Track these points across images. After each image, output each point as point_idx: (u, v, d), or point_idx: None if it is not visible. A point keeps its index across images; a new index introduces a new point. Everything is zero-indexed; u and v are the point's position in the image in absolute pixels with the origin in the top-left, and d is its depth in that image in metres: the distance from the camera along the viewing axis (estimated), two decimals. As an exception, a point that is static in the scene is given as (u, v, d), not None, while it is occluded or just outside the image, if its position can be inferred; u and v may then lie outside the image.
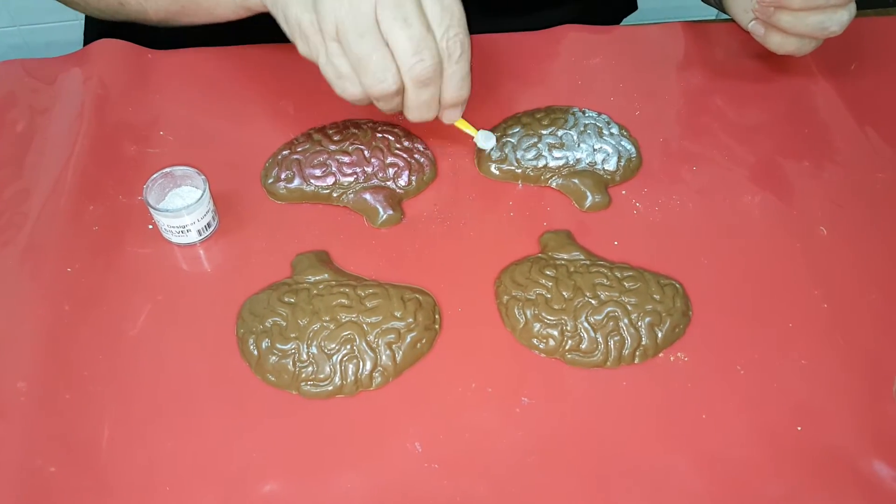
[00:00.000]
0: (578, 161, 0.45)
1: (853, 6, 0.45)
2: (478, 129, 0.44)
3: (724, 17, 0.56)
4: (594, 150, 0.45)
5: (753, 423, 0.36)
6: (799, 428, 0.36)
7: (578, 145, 0.45)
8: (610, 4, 0.66)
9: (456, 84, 0.39)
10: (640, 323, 0.38)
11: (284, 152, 0.45)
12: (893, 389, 0.37)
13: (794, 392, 0.37)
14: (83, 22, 0.65)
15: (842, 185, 0.46)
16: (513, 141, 0.45)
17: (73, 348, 0.38)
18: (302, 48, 0.40)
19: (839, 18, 0.44)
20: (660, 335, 0.38)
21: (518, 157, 0.45)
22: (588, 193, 0.43)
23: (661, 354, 0.38)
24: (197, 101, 0.50)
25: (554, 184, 0.44)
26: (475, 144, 0.45)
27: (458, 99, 0.40)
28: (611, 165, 0.45)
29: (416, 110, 0.40)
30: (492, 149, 0.45)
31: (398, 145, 0.45)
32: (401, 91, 0.39)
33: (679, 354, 0.38)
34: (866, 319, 0.40)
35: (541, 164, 0.44)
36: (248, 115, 0.49)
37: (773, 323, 0.39)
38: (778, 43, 0.47)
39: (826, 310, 0.40)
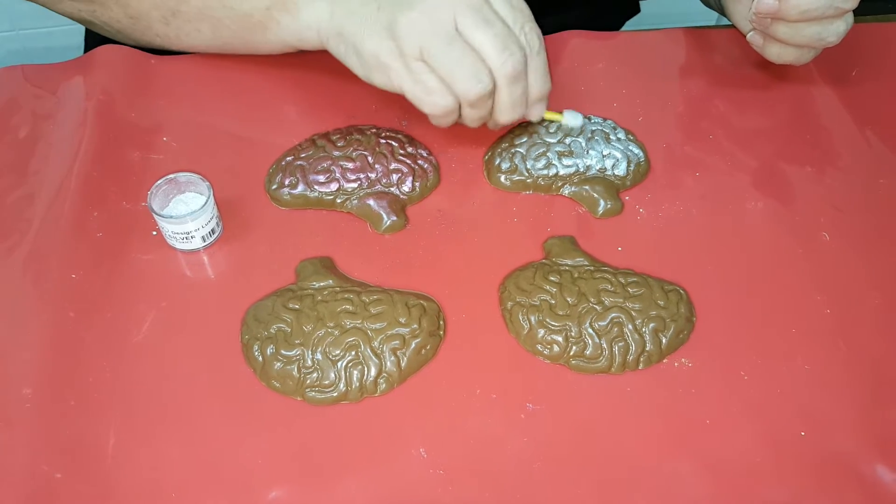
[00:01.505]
0: (589, 168, 0.45)
1: (850, 16, 0.45)
2: (560, 112, 0.45)
3: (726, 22, 0.57)
4: (603, 156, 0.45)
5: (757, 428, 0.36)
6: (802, 433, 0.36)
7: (587, 152, 0.45)
8: (612, 8, 0.67)
9: (541, 76, 0.41)
10: (644, 329, 0.38)
11: (288, 158, 0.45)
12: (897, 395, 0.37)
13: (798, 397, 0.37)
14: (84, 27, 0.65)
15: (844, 191, 0.46)
16: (521, 151, 0.45)
17: (77, 355, 0.38)
18: (380, 79, 0.41)
19: (836, 29, 0.45)
20: (664, 341, 0.38)
21: (528, 166, 0.45)
22: (601, 200, 0.44)
23: (665, 360, 0.38)
24: (200, 107, 0.50)
25: (566, 192, 0.44)
26: (484, 151, 0.45)
27: (544, 91, 0.41)
28: (621, 170, 0.45)
29: (509, 109, 0.41)
30: (579, 125, 0.45)
31: (402, 151, 0.45)
32: (493, 92, 0.40)
33: (683, 360, 0.38)
34: (869, 324, 0.40)
35: (551, 172, 0.45)
36: (252, 120, 0.49)
37: (776, 328, 0.40)
38: (776, 53, 0.47)
39: (829, 315, 0.40)
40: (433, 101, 0.40)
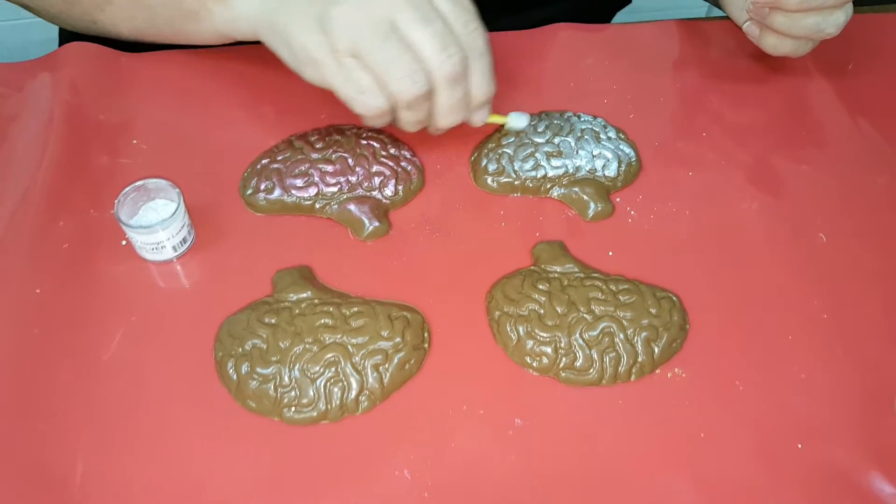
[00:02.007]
0: (578, 169, 0.43)
1: (850, 7, 0.43)
2: (506, 114, 0.43)
3: (717, 13, 0.55)
4: (593, 156, 0.43)
5: (753, 441, 0.35)
6: (799, 445, 0.35)
7: (577, 152, 0.43)
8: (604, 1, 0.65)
9: (483, 79, 0.38)
10: (636, 339, 0.37)
11: (264, 161, 0.43)
12: (894, 404, 0.36)
13: (794, 408, 0.36)
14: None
15: (840, 189, 0.44)
16: (509, 152, 0.43)
17: (43, 375, 0.36)
18: (311, 74, 0.38)
19: (835, 20, 0.43)
20: (656, 351, 0.37)
21: (516, 168, 0.43)
22: (591, 202, 0.42)
23: (657, 371, 0.37)
24: (172, 107, 0.47)
25: (555, 194, 0.43)
26: (470, 152, 0.43)
27: (487, 95, 0.39)
28: (611, 171, 0.43)
29: (448, 113, 0.38)
30: (526, 126, 0.43)
31: (384, 153, 0.43)
32: (430, 94, 0.38)
33: (676, 370, 0.37)
34: (866, 330, 0.38)
35: (540, 174, 0.43)
36: (226, 120, 0.47)
37: (771, 335, 0.38)
38: (773, 44, 0.45)
39: (826, 321, 0.39)
40: (365, 101, 0.37)
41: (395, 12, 0.36)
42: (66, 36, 0.61)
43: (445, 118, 0.39)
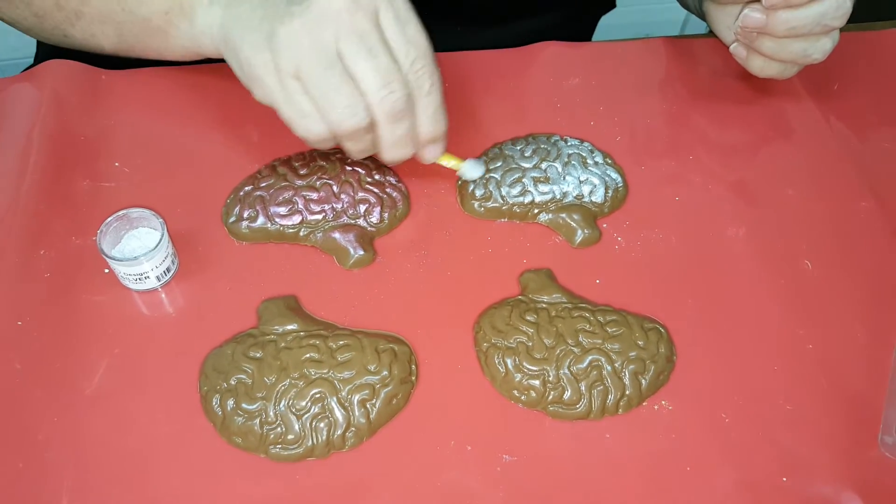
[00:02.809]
0: (565, 195, 0.43)
1: (836, 34, 0.43)
2: (463, 159, 0.42)
3: (694, 25, 0.55)
4: (580, 181, 0.43)
5: (738, 475, 0.35)
6: (784, 479, 0.35)
7: (564, 178, 0.43)
8: (588, 8, 0.64)
9: (429, 118, 0.37)
10: (623, 371, 0.37)
11: (247, 188, 0.42)
12: (879, 437, 0.36)
13: (779, 440, 0.36)
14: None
15: (826, 215, 0.44)
16: (496, 177, 0.43)
17: (25, 411, 0.35)
18: (257, 92, 0.38)
19: (822, 46, 0.43)
20: (644, 383, 0.37)
21: (503, 193, 0.43)
22: (578, 229, 0.42)
23: (645, 403, 0.37)
24: (154, 128, 0.47)
25: (542, 219, 0.42)
26: (457, 177, 0.43)
27: (434, 134, 0.38)
28: (598, 197, 0.43)
29: (392, 148, 0.38)
30: (480, 178, 0.43)
31: (369, 179, 0.43)
32: (371, 127, 0.37)
33: (663, 402, 0.37)
34: (850, 360, 0.39)
35: (527, 199, 0.42)
36: (209, 141, 0.46)
37: (757, 366, 0.38)
38: (760, 67, 0.45)
39: (811, 351, 0.39)
40: (306, 125, 0.37)
41: (341, 40, 0.35)
42: (43, 44, 0.60)
43: (389, 152, 0.38)
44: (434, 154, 0.40)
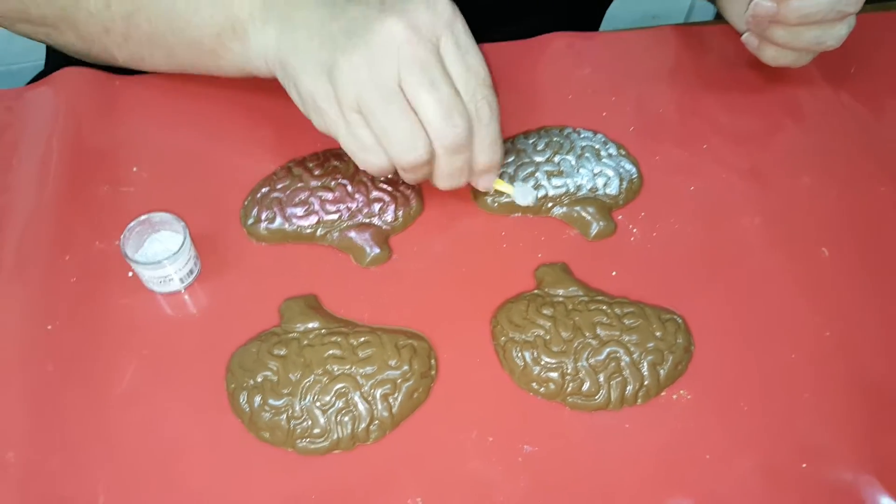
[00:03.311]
0: (579, 188, 0.43)
1: (852, 19, 0.43)
2: (512, 184, 0.42)
3: (701, 13, 0.54)
4: (594, 174, 0.43)
5: (757, 462, 0.35)
6: (804, 465, 0.35)
7: (577, 171, 0.43)
8: (591, 3, 0.64)
9: (488, 147, 0.37)
10: (641, 362, 0.37)
11: (264, 190, 0.43)
12: (898, 421, 0.36)
13: (798, 427, 0.37)
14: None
15: (843, 201, 0.44)
16: (509, 171, 0.43)
17: (59, 412, 0.36)
18: (317, 122, 0.38)
19: (837, 33, 0.43)
20: (662, 374, 0.37)
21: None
22: (593, 221, 0.42)
23: (663, 393, 0.37)
24: (170, 132, 0.47)
25: (556, 213, 0.43)
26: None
27: (491, 163, 0.38)
28: (613, 189, 0.43)
29: (448, 178, 0.38)
30: (527, 204, 0.43)
31: (382, 178, 0.43)
32: (431, 160, 0.37)
33: (682, 392, 0.38)
34: (868, 346, 0.39)
35: (541, 193, 0.43)
36: (224, 144, 0.47)
37: (775, 354, 0.39)
38: (772, 56, 0.45)
39: (828, 338, 0.39)
40: (366, 158, 0.37)
41: (402, 72, 0.34)
42: (54, 50, 0.61)
43: (444, 182, 0.38)
44: (489, 182, 0.39)
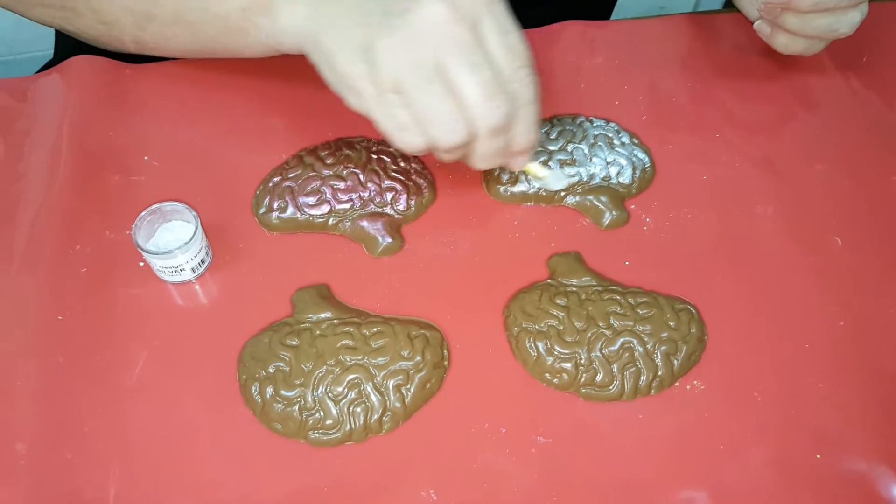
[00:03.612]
0: (592, 177, 0.43)
1: (865, 6, 0.42)
2: (545, 167, 0.41)
3: (706, 6, 0.54)
4: (607, 163, 0.43)
5: (771, 453, 0.35)
6: (818, 456, 0.35)
7: (590, 159, 0.43)
8: None
9: (527, 128, 0.37)
10: (655, 353, 0.37)
11: (276, 179, 0.43)
12: (914, 412, 0.36)
13: (812, 418, 0.36)
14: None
15: (855, 190, 0.44)
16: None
17: (70, 403, 0.36)
18: (352, 101, 0.36)
19: (850, 20, 0.42)
20: (676, 364, 0.37)
21: (529, 177, 0.43)
22: (606, 211, 0.42)
23: (677, 383, 0.37)
24: (181, 121, 0.47)
25: (569, 202, 0.42)
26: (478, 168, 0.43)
27: (529, 144, 0.37)
28: (626, 178, 0.43)
29: (486, 159, 0.37)
30: (557, 189, 0.42)
31: (394, 167, 0.43)
32: (470, 141, 0.36)
33: (695, 382, 0.37)
34: (883, 336, 0.39)
35: None
36: (236, 133, 0.47)
37: (789, 344, 0.39)
38: (784, 44, 0.45)
39: (842, 328, 0.39)
40: (404, 138, 0.36)
41: (443, 54, 0.33)
42: (62, 38, 0.60)
43: (482, 163, 0.37)
44: (523, 162, 0.39)
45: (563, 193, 0.43)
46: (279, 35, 0.40)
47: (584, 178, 0.43)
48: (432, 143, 0.36)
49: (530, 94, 0.36)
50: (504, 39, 0.35)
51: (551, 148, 0.44)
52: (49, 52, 0.64)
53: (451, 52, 0.34)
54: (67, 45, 0.56)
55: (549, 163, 0.43)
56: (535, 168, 0.41)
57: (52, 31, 0.63)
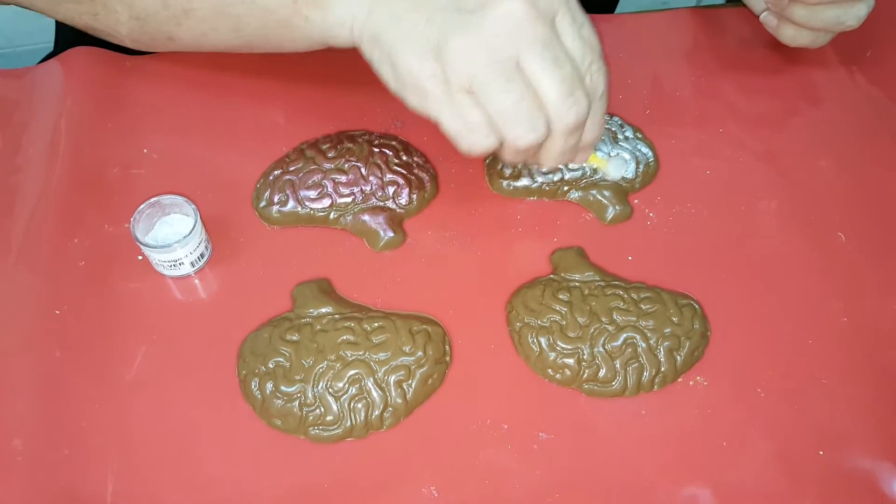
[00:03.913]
0: (596, 171, 0.42)
1: None
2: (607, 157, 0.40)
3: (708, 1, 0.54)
4: (611, 157, 0.43)
5: (774, 449, 0.35)
6: (821, 452, 0.35)
7: (595, 154, 0.43)
8: None
9: (597, 122, 0.36)
10: (658, 348, 0.37)
11: (276, 172, 0.42)
12: (918, 409, 0.36)
13: (815, 414, 0.36)
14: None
15: (859, 185, 0.44)
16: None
17: (67, 398, 0.36)
18: (414, 101, 0.35)
19: (856, 12, 0.42)
20: (679, 360, 0.37)
21: (532, 171, 0.42)
22: (609, 205, 0.41)
23: (680, 379, 0.37)
24: (181, 113, 0.47)
25: (572, 197, 0.42)
26: (484, 157, 0.42)
27: (596, 138, 0.37)
28: (630, 172, 0.42)
29: (559, 157, 0.36)
30: (618, 178, 0.41)
31: (396, 160, 0.42)
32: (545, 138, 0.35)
33: (698, 378, 0.37)
34: (887, 332, 0.38)
35: (557, 177, 0.42)
36: (236, 126, 0.46)
37: (792, 340, 0.38)
38: (791, 36, 0.45)
39: (846, 324, 0.39)
40: (473, 140, 0.34)
41: (523, 51, 0.32)
42: (64, 27, 0.59)
43: (553, 161, 0.36)
44: (586, 156, 0.38)
45: (566, 188, 0.42)
46: (332, 29, 0.38)
47: (588, 173, 0.43)
48: (506, 142, 0.34)
49: (604, 87, 0.35)
50: (579, 33, 0.34)
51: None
52: (49, 44, 0.63)
53: (533, 49, 0.32)
54: (68, 38, 0.55)
55: (584, 177, 0.42)
56: (598, 160, 0.40)
57: (53, 23, 0.62)
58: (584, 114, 0.34)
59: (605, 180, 0.42)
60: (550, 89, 0.33)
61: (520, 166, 0.43)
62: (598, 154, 0.40)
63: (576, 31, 0.34)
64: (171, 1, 0.40)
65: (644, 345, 0.37)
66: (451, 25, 0.33)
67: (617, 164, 0.40)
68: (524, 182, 0.42)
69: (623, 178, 0.43)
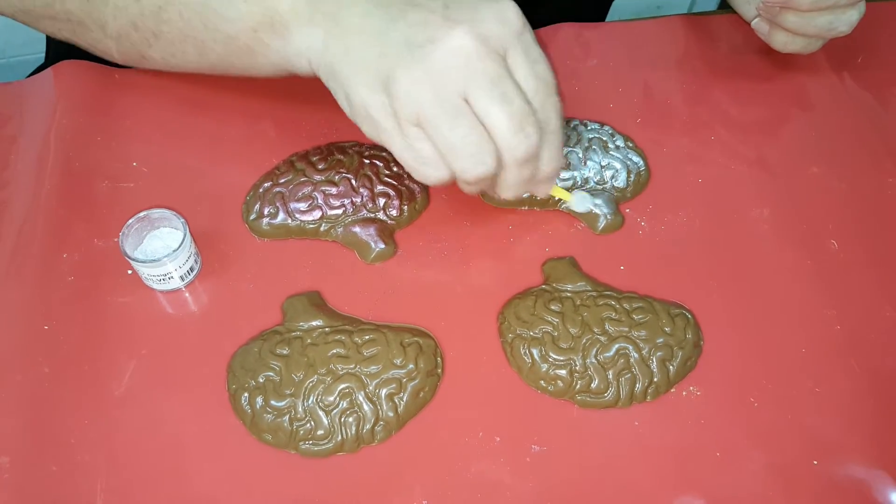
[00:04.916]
0: (587, 180, 0.42)
1: (863, 5, 0.42)
2: (569, 191, 0.41)
3: (701, 7, 0.54)
4: (602, 166, 0.43)
5: (768, 459, 0.35)
6: (815, 462, 0.35)
7: (585, 163, 0.43)
8: None
9: (554, 154, 0.36)
10: (651, 359, 0.37)
11: (266, 184, 0.42)
12: (912, 417, 0.36)
13: (809, 423, 0.36)
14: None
15: (851, 193, 0.44)
16: None
17: (56, 414, 0.36)
18: (368, 131, 0.35)
19: (848, 18, 0.42)
20: (671, 370, 0.37)
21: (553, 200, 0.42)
22: (601, 215, 0.41)
23: (673, 390, 0.37)
24: (171, 126, 0.46)
25: (563, 207, 0.42)
26: None
27: (555, 170, 0.37)
28: (620, 182, 0.42)
29: (514, 188, 0.36)
30: (584, 212, 0.41)
31: (387, 171, 0.42)
32: (496, 171, 0.35)
33: (691, 388, 0.37)
34: (880, 340, 0.38)
35: None
36: (225, 138, 0.46)
37: (785, 348, 0.38)
38: (783, 42, 0.45)
39: (839, 332, 0.39)
40: (425, 172, 0.35)
41: (471, 86, 0.32)
42: (54, 42, 0.59)
43: (509, 192, 0.36)
44: (548, 189, 0.38)
45: (557, 198, 0.42)
46: (292, 58, 0.39)
47: (579, 182, 0.42)
48: (457, 175, 0.35)
49: (557, 122, 0.35)
50: (533, 69, 0.34)
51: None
52: (41, 56, 0.63)
53: (480, 85, 0.32)
54: (59, 50, 0.55)
55: (574, 186, 0.42)
56: (560, 192, 0.40)
57: (44, 35, 0.62)
58: (535, 147, 0.34)
59: (596, 190, 0.42)
60: (499, 124, 0.33)
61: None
62: (562, 191, 0.40)
63: (529, 66, 0.34)
64: (141, 24, 0.41)
65: (636, 355, 0.37)
66: (401, 59, 0.33)
67: (581, 199, 0.41)
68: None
69: (614, 188, 0.43)
